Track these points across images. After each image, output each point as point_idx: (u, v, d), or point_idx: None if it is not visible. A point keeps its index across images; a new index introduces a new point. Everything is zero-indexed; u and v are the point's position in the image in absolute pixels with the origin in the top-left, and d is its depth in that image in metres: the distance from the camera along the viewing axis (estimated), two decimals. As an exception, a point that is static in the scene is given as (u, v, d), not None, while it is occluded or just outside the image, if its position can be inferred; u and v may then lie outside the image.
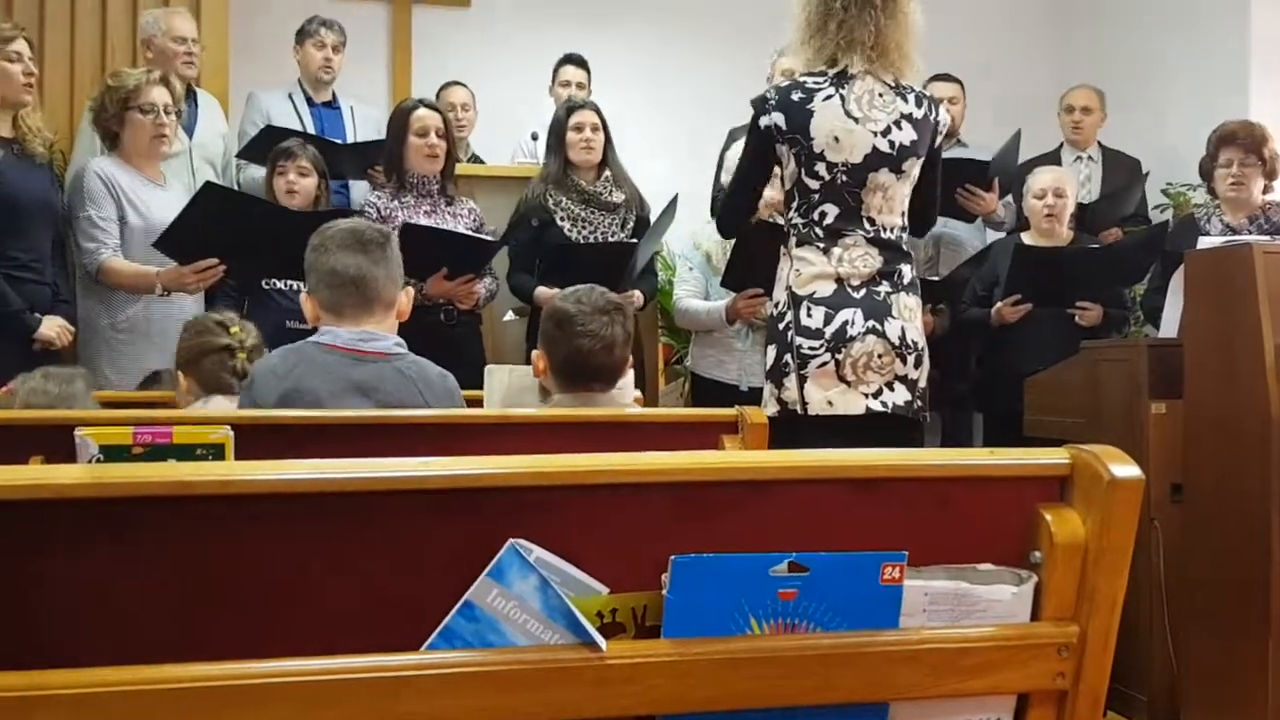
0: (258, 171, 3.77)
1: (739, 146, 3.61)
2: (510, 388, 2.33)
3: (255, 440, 1.68)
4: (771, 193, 2.99)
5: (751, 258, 3.24)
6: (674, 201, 3.61)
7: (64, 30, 4.40)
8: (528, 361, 3.41)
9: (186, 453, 1.63)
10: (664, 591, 0.94)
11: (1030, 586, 1.04)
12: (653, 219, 3.79)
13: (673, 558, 0.93)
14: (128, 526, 0.89)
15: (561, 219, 3.68)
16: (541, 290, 3.56)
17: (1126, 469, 1.02)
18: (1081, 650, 1.03)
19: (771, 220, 3.36)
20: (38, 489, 0.86)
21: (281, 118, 4.08)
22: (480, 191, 4.01)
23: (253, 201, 3.41)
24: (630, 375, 2.26)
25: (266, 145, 3.68)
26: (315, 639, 0.91)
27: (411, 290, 2.28)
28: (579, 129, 3.70)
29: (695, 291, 3.81)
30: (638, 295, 3.61)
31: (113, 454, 1.62)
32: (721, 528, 1.00)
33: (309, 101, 4.25)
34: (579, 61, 4.64)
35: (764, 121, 2.51)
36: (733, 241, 3.52)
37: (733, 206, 2.80)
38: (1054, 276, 3.79)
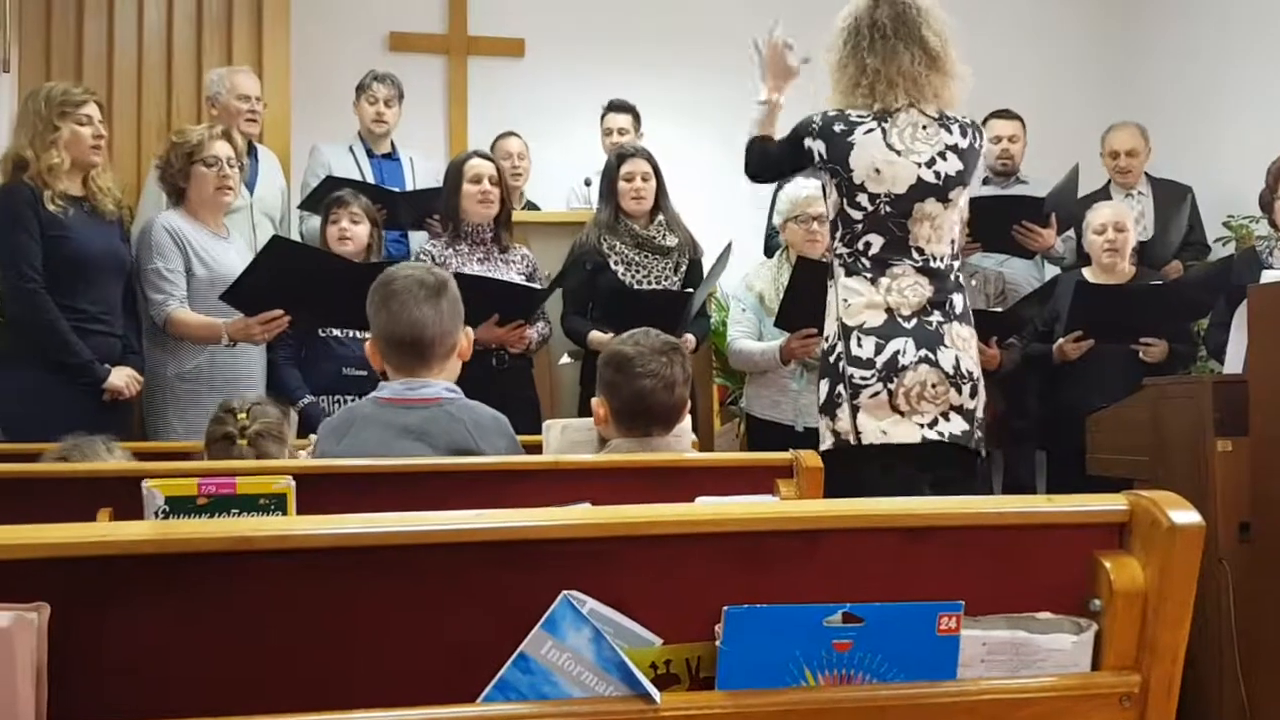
0: (319, 222, 3.85)
1: (791, 186, 3.64)
2: (563, 444, 2.32)
3: (316, 489, 1.73)
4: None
5: (804, 297, 3.24)
6: (728, 249, 3.63)
7: (131, 90, 4.57)
8: (583, 406, 3.42)
9: (250, 503, 1.67)
10: (718, 642, 0.94)
11: (1090, 635, 1.02)
12: (705, 262, 3.80)
13: (726, 608, 0.93)
14: (191, 581, 0.92)
15: (615, 263, 3.71)
16: (595, 334, 3.58)
17: (1186, 515, 1.01)
18: (1144, 700, 1.01)
19: (822, 260, 3.37)
20: (105, 546, 0.89)
21: (343, 170, 4.16)
22: (535, 237, 4.05)
23: (317, 253, 3.48)
24: (688, 420, 2.26)
25: (327, 195, 3.76)
26: (372, 691, 0.93)
27: (471, 332, 2.33)
28: (629, 179, 3.74)
29: (749, 332, 3.81)
30: (690, 338, 3.61)
31: (178, 505, 1.66)
32: (775, 578, 1.00)
33: (369, 154, 4.35)
34: (622, 107, 4.67)
35: (806, 142, 2.56)
36: (786, 282, 3.53)
37: (768, 166, 2.73)
38: (1117, 313, 3.73)
